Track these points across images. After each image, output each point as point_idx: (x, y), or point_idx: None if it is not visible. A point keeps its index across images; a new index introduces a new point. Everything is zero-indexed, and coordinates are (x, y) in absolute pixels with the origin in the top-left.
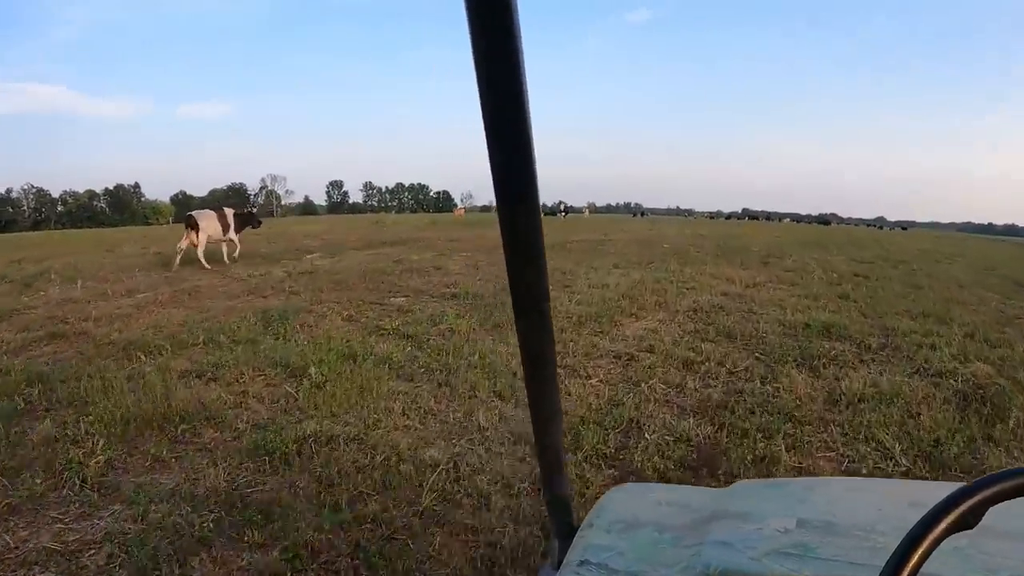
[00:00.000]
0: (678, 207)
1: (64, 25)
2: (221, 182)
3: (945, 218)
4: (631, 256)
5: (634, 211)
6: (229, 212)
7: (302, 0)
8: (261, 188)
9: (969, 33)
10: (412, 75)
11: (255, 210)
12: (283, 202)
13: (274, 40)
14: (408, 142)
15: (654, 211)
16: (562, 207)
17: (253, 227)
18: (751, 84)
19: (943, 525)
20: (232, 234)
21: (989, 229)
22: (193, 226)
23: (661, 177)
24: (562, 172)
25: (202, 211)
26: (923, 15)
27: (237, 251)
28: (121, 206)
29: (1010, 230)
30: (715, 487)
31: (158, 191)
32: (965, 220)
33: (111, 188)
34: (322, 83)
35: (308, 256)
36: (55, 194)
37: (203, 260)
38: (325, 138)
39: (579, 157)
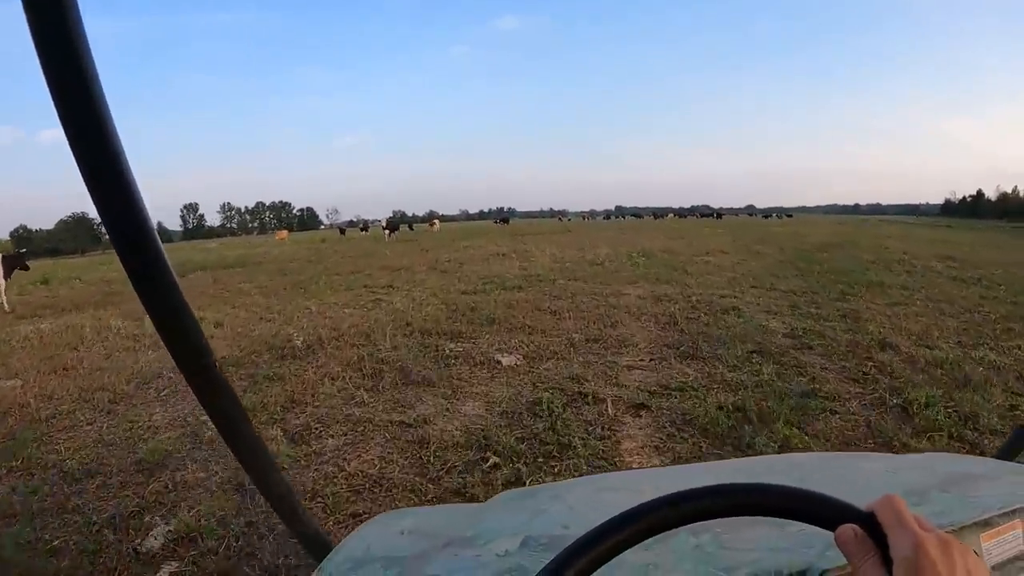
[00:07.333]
0: (551, 208)
1: None
2: (67, 212)
3: (811, 202)
4: None
5: (498, 217)
6: None
7: (173, 18)
8: None
9: (828, 38)
10: (281, 93)
11: (24, 251)
12: None
13: (139, 55)
14: (271, 160)
15: (528, 214)
16: (363, 224)
17: (22, 269)
18: (623, 88)
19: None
20: (0, 279)
21: (855, 210)
22: None
23: (534, 181)
24: (434, 184)
25: None
26: (778, 21)
27: (4, 298)
28: None
29: (874, 209)
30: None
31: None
32: (830, 203)
33: None
34: (182, 103)
35: None
36: None
37: None
38: (183, 159)
39: (451, 166)
